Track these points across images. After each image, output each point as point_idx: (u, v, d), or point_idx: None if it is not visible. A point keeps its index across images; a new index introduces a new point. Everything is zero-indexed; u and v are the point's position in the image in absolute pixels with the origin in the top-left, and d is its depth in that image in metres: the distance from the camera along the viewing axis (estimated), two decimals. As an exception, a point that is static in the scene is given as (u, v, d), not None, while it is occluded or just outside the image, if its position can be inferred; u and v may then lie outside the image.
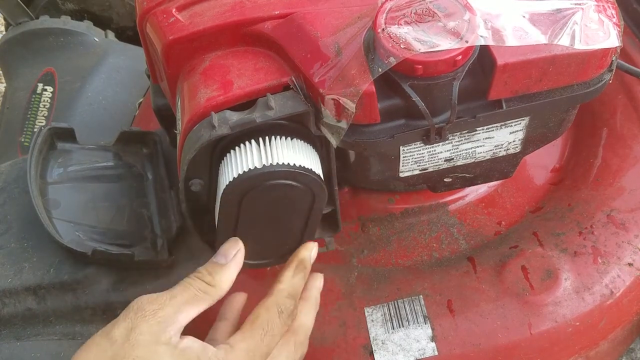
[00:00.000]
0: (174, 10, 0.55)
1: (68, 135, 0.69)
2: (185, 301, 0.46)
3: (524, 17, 0.47)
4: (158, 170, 0.71)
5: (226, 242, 0.50)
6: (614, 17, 0.49)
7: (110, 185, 0.69)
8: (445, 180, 0.61)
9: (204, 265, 0.49)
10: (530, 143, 0.58)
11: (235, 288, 0.66)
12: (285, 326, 0.49)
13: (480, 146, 0.56)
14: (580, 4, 0.48)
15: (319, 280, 0.56)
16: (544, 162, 0.73)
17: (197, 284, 0.47)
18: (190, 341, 0.45)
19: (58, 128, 0.69)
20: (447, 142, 0.54)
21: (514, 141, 0.56)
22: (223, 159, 0.51)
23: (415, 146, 0.53)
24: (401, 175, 0.57)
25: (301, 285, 0.52)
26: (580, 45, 0.46)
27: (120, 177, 0.70)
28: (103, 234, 0.65)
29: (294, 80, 0.51)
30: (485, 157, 0.57)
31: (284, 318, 0.49)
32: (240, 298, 0.54)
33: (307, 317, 0.53)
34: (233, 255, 0.49)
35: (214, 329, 0.53)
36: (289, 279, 0.51)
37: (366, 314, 0.62)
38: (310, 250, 0.52)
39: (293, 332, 0.51)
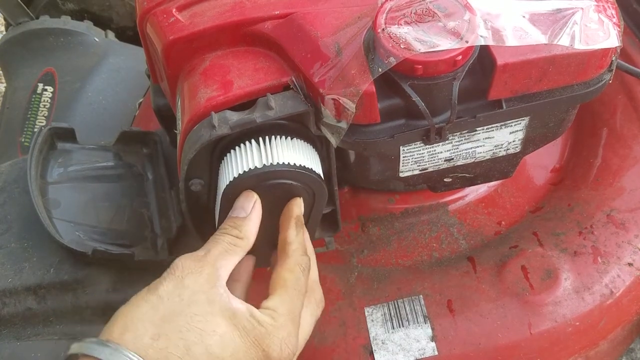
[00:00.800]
0: (174, 10, 0.55)
1: (68, 135, 0.69)
2: (221, 256, 0.47)
3: (524, 17, 0.47)
4: (158, 170, 0.71)
5: (240, 196, 0.50)
6: (613, 17, 0.49)
7: (110, 185, 0.69)
8: (445, 180, 0.61)
9: (225, 221, 0.49)
10: (530, 143, 0.58)
11: (235, 288, 0.66)
12: (307, 281, 0.50)
13: (480, 146, 0.56)
14: (580, 4, 0.48)
15: (306, 233, 0.56)
16: (544, 162, 0.73)
17: (226, 238, 0.48)
18: (238, 302, 0.45)
19: (58, 128, 0.69)
20: (447, 142, 0.54)
21: (514, 141, 0.56)
22: (223, 159, 0.51)
23: (415, 146, 0.53)
24: (401, 175, 0.57)
25: (304, 240, 0.52)
26: (580, 45, 0.46)
27: (120, 177, 0.70)
28: (103, 234, 0.65)
29: (294, 80, 0.51)
30: (485, 157, 0.57)
31: (307, 274, 0.50)
32: (250, 261, 0.54)
33: (314, 272, 0.54)
34: (252, 207, 0.49)
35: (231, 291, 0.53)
36: (296, 237, 0.51)
37: (366, 313, 0.62)
38: (300, 206, 0.52)
39: (311, 289, 0.52)
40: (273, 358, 0.44)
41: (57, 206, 0.65)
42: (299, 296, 0.48)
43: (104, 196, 0.68)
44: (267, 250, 0.59)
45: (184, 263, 0.46)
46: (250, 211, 0.49)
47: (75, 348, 0.42)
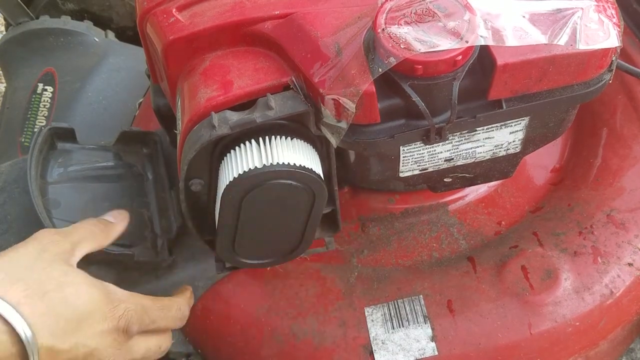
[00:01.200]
0: (174, 10, 0.55)
1: (68, 135, 0.69)
2: (82, 238, 0.54)
3: (524, 17, 0.47)
4: (158, 170, 0.71)
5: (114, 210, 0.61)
6: (614, 17, 0.49)
7: (110, 185, 0.69)
8: (445, 180, 0.61)
9: (96, 219, 0.58)
10: (530, 143, 0.58)
11: (235, 288, 0.66)
12: (174, 321, 0.58)
13: (480, 146, 0.56)
14: (580, 4, 0.48)
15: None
16: (544, 162, 0.73)
17: (91, 228, 0.56)
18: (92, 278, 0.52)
19: (58, 128, 0.69)
20: (447, 142, 0.54)
21: (514, 141, 0.56)
22: (223, 159, 0.51)
23: (415, 146, 0.53)
24: (401, 175, 0.57)
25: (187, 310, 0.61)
26: (580, 45, 0.46)
27: (120, 177, 0.70)
28: None
29: (294, 80, 0.51)
30: (485, 157, 0.57)
31: (177, 315, 0.58)
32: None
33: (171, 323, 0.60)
34: (121, 219, 0.60)
35: None
36: (189, 298, 0.62)
37: (366, 313, 0.62)
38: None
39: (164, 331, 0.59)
40: (115, 317, 0.50)
41: (57, 206, 0.65)
42: (162, 312, 0.55)
43: (104, 196, 0.68)
44: (267, 249, 0.59)
45: (47, 234, 0.52)
46: (119, 221, 0.60)
47: None
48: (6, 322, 0.44)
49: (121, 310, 0.51)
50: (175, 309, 0.57)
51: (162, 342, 0.57)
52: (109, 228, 0.58)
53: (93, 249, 0.55)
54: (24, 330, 0.44)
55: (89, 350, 0.49)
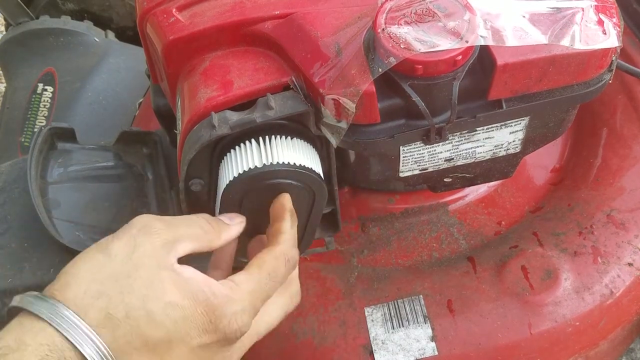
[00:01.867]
0: (174, 10, 0.55)
1: (68, 135, 0.69)
2: (186, 233, 0.45)
3: (524, 17, 0.47)
4: (158, 170, 0.71)
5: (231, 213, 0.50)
6: (614, 17, 0.49)
7: (110, 185, 0.69)
8: (445, 180, 0.61)
9: (212, 217, 0.48)
10: (530, 143, 0.58)
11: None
12: (287, 275, 0.48)
13: (480, 146, 0.56)
14: (580, 4, 0.48)
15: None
16: (544, 162, 0.73)
17: (202, 223, 0.46)
18: (192, 271, 0.43)
19: (58, 128, 0.69)
20: (447, 142, 0.54)
21: (514, 141, 0.56)
22: (223, 159, 0.51)
23: (415, 146, 0.53)
24: (401, 175, 0.57)
25: (296, 234, 0.51)
26: (580, 45, 0.46)
27: (120, 177, 0.70)
28: (103, 234, 0.64)
29: (294, 80, 0.51)
30: (485, 157, 0.57)
31: (289, 267, 0.48)
32: (232, 245, 0.52)
33: (297, 269, 0.52)
34: (238, 222, 0.50)
35: None
36: (290, 229, 0.49)
37: (366, 313, 0.62)
38: (290, 201, 0.51)
39: (289, 282, 0.51)
40: (219, 330, 0.42)
41: (57, 206, 0.65)
42: (271, 283, 0.46)
43: (104, 196, 0.67)
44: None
45: (146, 220, 0.44)
46: (233, 223, 0.49)
47: (16, 300, 0.40)
48: (79, 353, 0.38)
49: (226, 320, 0.42)
50: (282, 262, 0.47)
51: (289, 302, 0.50)
52: (221, 228, 0.48)
53: (198, 249, 0.46)
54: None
55: None
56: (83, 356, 0.38)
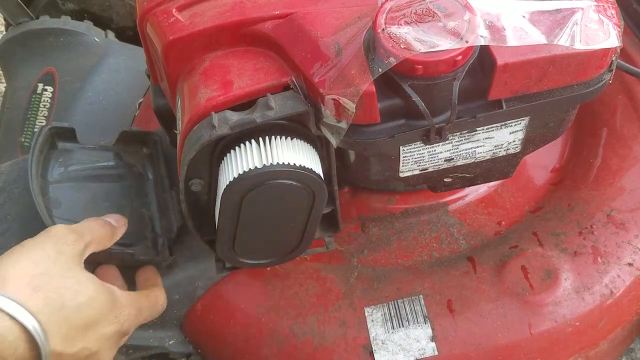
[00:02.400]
0: (174, 10, 0.55)
1: (69, 134, 0.69)
2: (92, 240, 0.56)
3: (524, 17, 0.47)
4: (159, 170, 0.71)
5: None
6: (614, 17, 0.49)
7: (111, 185, 0.69)
8: (445, 180, 0.61)
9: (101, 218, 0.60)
10: (530, 143, 0.58)
11: (235, 288, 0.66)
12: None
13: (480, 146, 0.56)
14: (580, 4, 0.48)
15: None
16: (544, 162, 0.73)
17: (100, 229, 0.58)
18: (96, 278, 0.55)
19: (59, 127, 0.69)
20: (447, 142, 0.54)
21: (514, 141, 0.56)
22: (223, 159, 0.51)
23: (415, 146, 0.53)
24: (401, 175, 0.57)
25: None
26: (580, 45, 0.46)
27: (121, 177, 0.70)
28: None
29: (294, 80, 0.51)
30: (485, 157, 0.57)
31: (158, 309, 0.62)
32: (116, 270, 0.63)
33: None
34: (122, 224, 0.62)
35: None
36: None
37: (366, 313, 0.62)
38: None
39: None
40: (119, 320, 0.53)
41: (58, 206, 0.65)
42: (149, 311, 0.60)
43: (104, 196, 0.68)
44: (267, 249, 0.59)
45: (62, 232, 0.54)
46: (121, 225, 0.61)
47: None
48: (26, 330, 0.47)
49: (125, 316, 0.54)
50: (160, 303, 0.62)
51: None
52: (113, 230, 0.60)
53: (98, 250, 0.57)
54: (40, 339, 0.47)
55: (92, 353, 0.52)
56: (28, 331, 0.47)
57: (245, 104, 0.51)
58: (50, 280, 0.50)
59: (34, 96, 0.96)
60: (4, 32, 1.05)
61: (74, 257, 0.53)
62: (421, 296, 0.62)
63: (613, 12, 0.49)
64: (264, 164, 0.48)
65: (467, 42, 0.45)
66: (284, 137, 0.50)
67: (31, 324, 0.47)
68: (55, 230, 0.54)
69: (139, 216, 0.67)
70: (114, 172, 0.70)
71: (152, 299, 0.61)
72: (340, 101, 0.46)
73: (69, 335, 0.50)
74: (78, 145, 0.70)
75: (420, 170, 0.57)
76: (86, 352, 0.51)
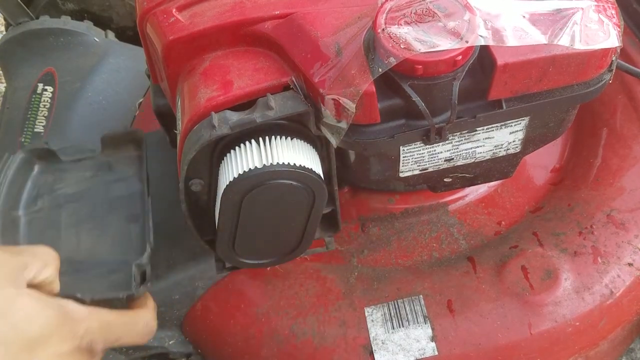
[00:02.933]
0: (174, 10, 0.55)
1: (47, 155, 0.66)
2: (34, 262, 0.47)
3: (524, 17, 0.47)
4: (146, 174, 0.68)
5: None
6: (614, 17, 0.49)
7: (94, 202, 0.65)
8: (445, 180, 0.61)
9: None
10: (530, 143, 0.58)
11: (235, 288, 0.66)
12: (142, 336, 0.54)
13: (480, 146, 0.56)
14: (580, 4, 0.48)
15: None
16: (544, 162, 0.73)
17: (45, 254, 0.49)
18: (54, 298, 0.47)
19: (35, 150, 0.65)
20: (447, 142, 0.54)
21: (514, 141, 0.56)
22: (223, 159, 0.51)
23: (415, 146, 0.53)
24: (401, 175, 0.57)
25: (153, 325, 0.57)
26: (580, 46, 0.46)
27: (107, 189, 0.66)
28: (82, 262, 0.61)
29: (294, 80, 0.51)
30: (485, 157, 0.57)
31: (146, 331, 0.55)
32: None
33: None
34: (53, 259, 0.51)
35: None
36: (154, 315, 0.56)
37: (366, 313, 0.62)
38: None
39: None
40: (75, 337, 0.46)
41: (26, 242, 0.61)
42: (127, 328, 0.52)
43: (87, 216, 0.64)
44: (267, 249, 0.59)
45: None
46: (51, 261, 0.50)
47: None
48: None
49: (82, 330, 0.47)
50: (142, 324, 0.54)
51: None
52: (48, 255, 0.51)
53: (44, 272, 0.48)
54: None
55: None
56: None
57: (245, 104, 0.51)
58: None
59: (34, 96, 0.96)
60: (4, 32, 1.05)
61: (4, 277, 0.45)
62: (421, 296, 0.62)
63: (613, 12, 0.49)
64: (264, 164, 0.48)
65: (467, 42, 0.45)
66: (284, 137, 0.50)
67: None
68: None
69: (124, 234, 0.63)
70: (100, 187, 0.66)
71: (129, 317, 0.53)
72: (340, 101, 0.46)
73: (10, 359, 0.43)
74: (58, 165, 0.66)
75: (420, 170, 0.57)
76: None
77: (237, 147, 0.50)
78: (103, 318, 0.50)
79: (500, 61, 0.46)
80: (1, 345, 0.42)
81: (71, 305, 0.48)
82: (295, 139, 0.51)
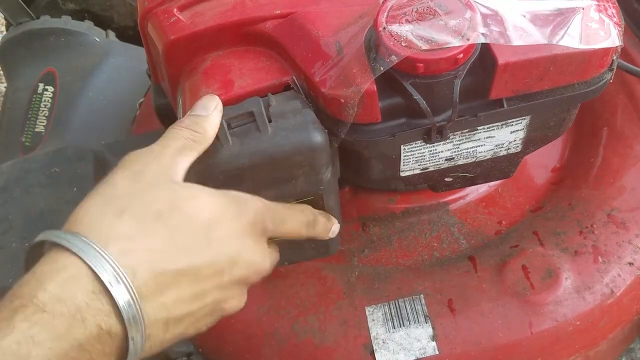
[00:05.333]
0: (175, 10, 0.55)
1: None
2: (179, 151, 0.44)
3: (524, 16, 0.47)
4: None
5: (203, 97, 0.48)
6: (614, 17, 0.49)
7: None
8: (446, 179, 0.61)
9: (185, 117, 0.47)
10: (531, 142, 0.58)
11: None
12: (307, 231, 0.51)
13: (481, 145, 0.56)
14: (580, 4, 0.48)
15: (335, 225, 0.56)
16: (544, 161, 0.73)
17: (185, 133, 0.45)
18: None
19: None
20: (448, 141, 0.54)
21: (514, 140, 0.56)
22: (224, 159, 0.51)
23: (416, 145, 0.53)
24: (402, 174, 0.57)
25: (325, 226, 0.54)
26: (581, 45, 0.46)
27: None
28: None
29: (295, 80, 0.51)
30: (486, 156, 0.57)
31: (309, 230, 0.51)
32: None
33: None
34: (214, 107, 0.47)
35: None
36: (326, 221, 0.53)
37: (367, 313, 0.62)
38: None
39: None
40: (249, 220, 0.44)
41: None
42: (293, 218, 0.49)
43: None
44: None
45: (138, 157, 0.43)
46: (211, 111, 0.47)
47: (43, 235, 0.39)
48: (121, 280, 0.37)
49: (251, 206, 0.44)
50: (308, 213, 0.51)
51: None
52: (204, 122, 0.46)
53: (195, 157, 0.45)
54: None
55: (231, 258, 0.43)
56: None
57: (246, 103, 0.51)
58: (131, 201, 0.39)
59: (34, 96, 0.96)
60: (5, 32, 1.06)
61: (159, 173, 0.42)
62: (422, 295, 0.63)
63: (614, 11, 0.49)
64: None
65: (468, 39, 0.45)
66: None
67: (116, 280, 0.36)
68: (127, 157, 0.43)
69: None
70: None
71: (302, 213, 0.49)
72: (341, 100, 0.46)
73: (185, 250, 0.40)
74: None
75: (421, 170, 0.57)
76: (224, 257, 0.42)
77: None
78: (264, 201, 0.46)
79: (501, 60, 0.47)
80: (180, 233, 0.40)
81: (232, 192, 0.45)
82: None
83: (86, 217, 0.39)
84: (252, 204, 0.45)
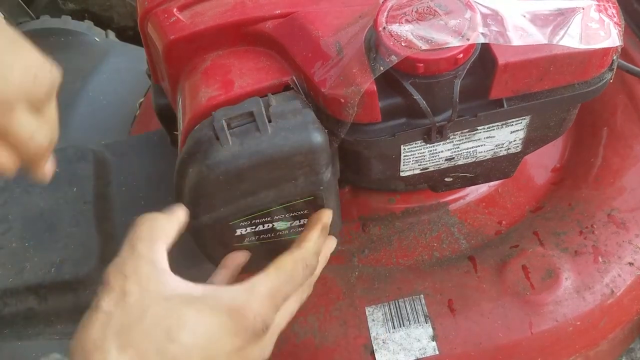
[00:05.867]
0: (175, 9, 0.55)
1: None
2: (148, 244, 0.44)
3: (524, 16, 0.47)
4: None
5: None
6: (614, 17, 0.49)
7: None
8: (446, 179, 0.61)
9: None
10: (531, 142, 0.58)
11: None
12: (305, 279, 0.49)
13: (481, 145, 0.56)
14: (581, 4, 0.48)
15: (333, 243, 0.57)
16: (544, 161, 0.73)
17: (147, 224, 0.46)
18: (202, 287, 0.43)
19: None
20: (448, 141, 0.54)
21: (514, 140, 0.56)
22: (224, 159, 0.51)
23: (416, 145, 0.53)
24: (402, 174, 0.57)
25: (322, 246, 0.52)
26: (581, 45, 0.46)
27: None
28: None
29: (295, 80, 0.51)
30: (486, 156, 0.57)
31: (307, 273, 0.49)
32: (243, 255, 0.54)
33: (318, 271, 0.54)
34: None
35: (214, 275, 0.53)
36: (316, 239, 0.51)
37: (367, 313, 0.62)
38: (329, 217, 0.53)
39: (308, 284, 0.52)
40: (248, 329, 0.43)
41: None
42: (289, 285, 0.47)
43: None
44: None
45: (113, 274, 0.42)
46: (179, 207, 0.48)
47: None
48: None
49: (250, 318, 0.43)
50: (301, 266, 0.48)
51: (299, 301, 0.51)
52: (175, 213, 0.48)
53: (171, 237, 0.46)
54: None
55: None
56: None
57: (246, 103, 0.51)
58: (133, 333, 0.40)
59: (34, 96, 0.96)
60: (5, 32, 1.05)
61: (147, 285, 0.42)
62: (422, 295, 0.62)
63: (614, 11, 0.49)
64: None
65: (468, 39, 0.45)
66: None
67: None
68: (106, 277, 0.43)
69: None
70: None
71: (284, 268, 0.47)
72: (341, 100, 0.46)
73: None
74: None
75: (421, 170, 0.57)
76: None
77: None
78: (264, 291, 0.44)
79: (501, 60, 0.47)
80: None
81: (225, 292, 0.44)
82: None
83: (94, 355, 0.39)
84: (252, 314, 0.43)
